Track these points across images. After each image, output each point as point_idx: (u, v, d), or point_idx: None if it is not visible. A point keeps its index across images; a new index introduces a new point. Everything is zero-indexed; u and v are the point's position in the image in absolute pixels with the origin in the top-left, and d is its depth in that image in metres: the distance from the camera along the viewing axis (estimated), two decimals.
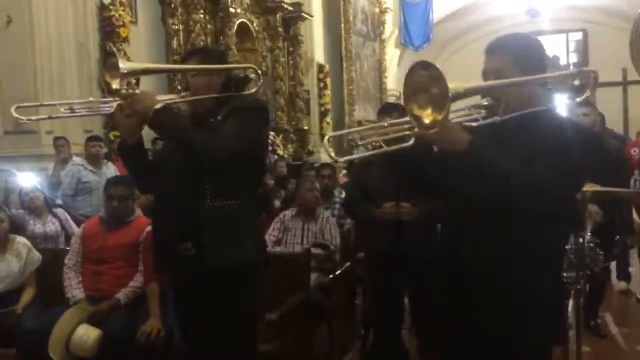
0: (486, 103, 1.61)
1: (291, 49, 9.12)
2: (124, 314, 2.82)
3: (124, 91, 1.87)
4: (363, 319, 3.79)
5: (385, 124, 1.59)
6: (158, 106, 1.89)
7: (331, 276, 3.46)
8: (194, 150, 1.94)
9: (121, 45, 5.63)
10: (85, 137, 4.88)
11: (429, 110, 1.45)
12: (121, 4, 5.75)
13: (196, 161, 1.96)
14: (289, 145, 8.74)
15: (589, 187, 2.15)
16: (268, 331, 2.57)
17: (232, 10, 7.32)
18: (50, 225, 3.97)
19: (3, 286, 3.09)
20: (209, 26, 7.14)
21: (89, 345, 2.68)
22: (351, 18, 10.67)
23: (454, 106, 1.50)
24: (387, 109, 3.17)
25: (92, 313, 2.79)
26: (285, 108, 8.84)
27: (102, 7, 5.69)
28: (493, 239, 1.59)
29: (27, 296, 3.09)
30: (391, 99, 11.59)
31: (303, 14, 9.06)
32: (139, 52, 6.03)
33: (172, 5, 6.60)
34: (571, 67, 14.98)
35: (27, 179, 4.26)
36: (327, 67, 10.07)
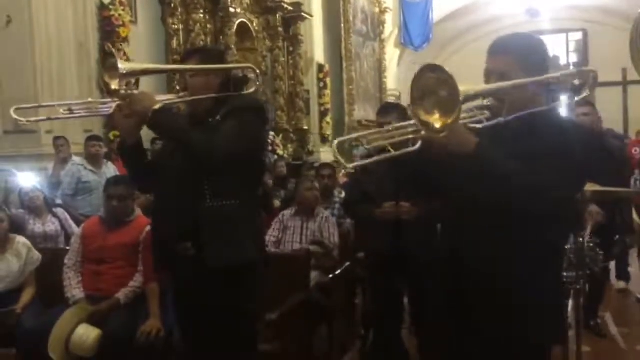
0: (489, 104, 1.59)
1: (291, 48, 9.12)
2: (124, 314, 2.82)
3: (122, 92, 1.87)
4: (363, 319, 3.79)
5: (391, 128, 1.56)
6: (157, 107, 1.89)
7: (331, 276, 3.46)
8: (193, 150, 1.94)
9: (121, 45, 5.63)
10: (85, 136, 4.88)
11: (438, 114, 1.44)
12: (121, 3, 5.75)
13: (195, 161, 1.96)
14: (289, 145, 8.74)
15: (589, 187, 2.15)
16: (268, 331, 2.57)
17: (232, 10, 7.31)
18: (50, 225, 3.97)
19: (3, 286, 3.09)
20: (208, 26, 7.13)
21: (88, 345, 2.68)
22: (351, 18, 10.67)
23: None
24: (386, 109, 3.18)
25: (92, 313, 2.79)
26: (285, 108, 8.84)
27: (102, 7, 5.69)
28: (493, 239, 1.59)
29: (27, 296, 3.09)
30: (391, 99, 11.59)
31: (303, 13, 9.06)
32: (139, 52, 6.03)
33: (172, 5, 6.59)
34: (571, 67, 14.98)
35: (27, 179, 4.26)
36: (327, 67, 10.07)
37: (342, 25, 10.41)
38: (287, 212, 3.84)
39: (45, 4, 5.19)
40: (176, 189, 2.03)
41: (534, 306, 1.60)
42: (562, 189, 1.55)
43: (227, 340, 2.10)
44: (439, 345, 1.99)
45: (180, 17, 6.71)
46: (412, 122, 1.54)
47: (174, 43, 6.59)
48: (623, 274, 4.88)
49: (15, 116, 1.91)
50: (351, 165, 1.49)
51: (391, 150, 1.52)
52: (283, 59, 8.90)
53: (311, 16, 9.44)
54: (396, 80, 13.45)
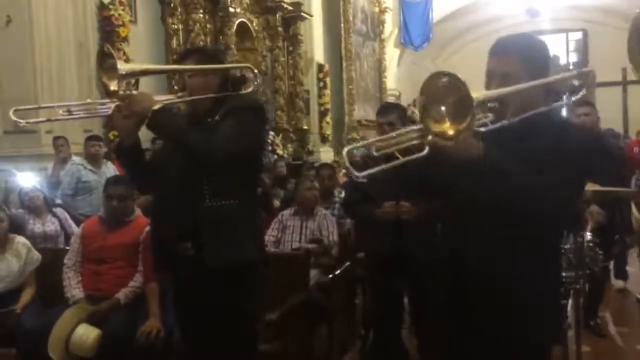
0: (491, 105, 1.58)
1: (291, 48, 9.12)
2: (124, 314, 2.82)
3: (121, 92, 1.87)
4: (363, 319, 3.79)
5: (395, 134, 1.54)
6: (156, 107, 1.89)
7: (331, 276, 3.46)
8: (192, 150, 1.94)
9: (121, 44, 5.63)
10: (84, 136, 4.88)
11: (449, 121, 1.43)
12: (121, 3, 5.75)
13: (194, 161, 1.96)
14: (289, 145, 8.74)
15: (589, 187, 2.15)
16: (268, 331, 2.57)
17: (231, 9, 7.31)
18: (50, 225, 3.97)
19: (3, 286, 3.09)
20: (208, 26, 7.13)
21: (88, 345, 2.68)
22: (351, 17, 10.67)
23: None
24: (386, 109, 3.18)
25: (92, 313, 2.79)
26: (285, 108, 8.84)
27: (102, 7, 5.68)
28: (493, 239, 1.59)
29: (26, 296, 3.09)
30: (391, 99, 11.59)
31: (303, 13, 9.06)
32: (139, 51, 6.02)
33: (172, 5, 6.59)
34: (571, 67, 14.99)
35: (27, 179, 4.26)
36: (326, 67, 10.07)
37: (342, 25, 10.41)
38: (287, 212, 3.84)
39: (45, 4, 5.19)
40: (175, 189, 2.02)
41: (534, 306, 1.60)
42: (563, 189, 1.55)
43: (227, 340, 2.10)
44: (439, 345, 1.99)
45: (179, 16, 6.70)
46: (416, 127, 1.53)
47: (174, 43, 6.58)
48: (621, 273, 4.88)
49: (14, 118, 1.91)
50: (363, 174, 1.46)
51: (399, 156, 1.50)
52: (283, 59, 8.90)
53: (311, 16, 9.44)
54: (396, 80, 13.46)
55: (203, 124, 2.01)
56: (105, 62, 1.89)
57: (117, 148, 2.14)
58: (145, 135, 2.11)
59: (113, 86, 1.85)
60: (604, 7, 13.25)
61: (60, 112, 1.93)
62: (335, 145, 10.37)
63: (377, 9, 12.25)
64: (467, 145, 1.47)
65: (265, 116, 2.25)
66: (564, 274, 2.35)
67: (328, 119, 10.07)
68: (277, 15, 8.58)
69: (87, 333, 2.70)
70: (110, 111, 1.92)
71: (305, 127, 9.25)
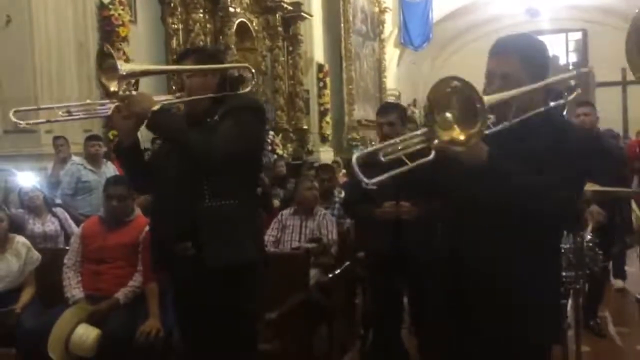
0: (494, 107, 1.58)
1: (291, 48, 9.12)
2: (123, 314, 2.82)
3: (121, 93, 1.87)
4: (363, 319, 3.79)
5: (399, 140, 1.52)
6: (155, 108, 1.89)
7: (331, 275, 3.46)
8: (192, 151, 1.94)
9: (120, 44, 5.63)
10: (84, 136, 4.87)
11: (459, 125, 1.43)
12: (120, 3, 5.75)
13: (193, 161, 1.96)
14: (289, 145, 8.74)
15: (589, 187, 2.15)
16: (268, 331, 2.56)
17: (231, 9, 7.31)
18: (50, 225, 3.97)
19: (2, 286, 3.09)
20: (208, 26, 7.13)
21: (88, 345, 2.68)
22: (351, 17, 10.68)
23: None
24: (386, 109, 3.18)
25: (92, 313, 2.79)
26: (284, 107, 8.84)
27: (102, 7, 5.68)
28: (493, 239, 1.59)
29: (26, 296, 3.08)
30: (391, 99, 11.59)
31: (302, 13, 9.06)
32: (139, 51, 6.02)
33: (172, 5, 6.59)
34: (571, 67, 14.99)
35: (27, 179, 4.26)
36: (326, 67, 10.07)
37: (342, 25, 10.41)
38: (286, 212, 3.84)
39: (45, 4, 5.19)
40: (174, 189, 2.02)
41: (533, 306, 1.60)
42: (563, 189, 1.55)
43: (227, 340, 2.09)
44: (439, 345, 1.99)
45: (179, 16, 6.71)
46: (420, 132, 1.52)
47: (174, 43, 6.58)
48: (620, 273, 4.89)
49: (14, 119, 1.90)
50: (373, 181, 1.45)
51: (408, 162, 1.48)
52: (283, 59, 8.90)
53: (311, 16, 9.44)
54: (396, 79, 13.46)
55: (202, 124, 2.01)
56: (104, 62, 1.88)
57: (116, 148, 2.14)
58: (145, 135, 2.11)
59: (113, 87, 1.84)
60: (603, 7, 13.26)
61: (60, 113, 1.93)
62: (335, 145, 10.37)
63: (377, 9, 12.25)
64: (477, 149, 1.47)
65: (265, 116, 2.24)
66: (564, 274, 2.35)
67: (328, 118, 10.08)
68: (277, 15, 8.59)
69: (86, 333, 2.69)
70: (109, 112, 1.92)
71: (305, 127, 9.26)
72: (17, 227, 3.49)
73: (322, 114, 10.01)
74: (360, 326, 3.81)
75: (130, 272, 2.95)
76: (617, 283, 4.88)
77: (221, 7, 7.23)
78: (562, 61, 15.17)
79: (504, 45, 1.66)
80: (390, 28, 12.88)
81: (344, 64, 10.55)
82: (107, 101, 1.97)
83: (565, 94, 1.78)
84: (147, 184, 2.19)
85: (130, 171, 2.17)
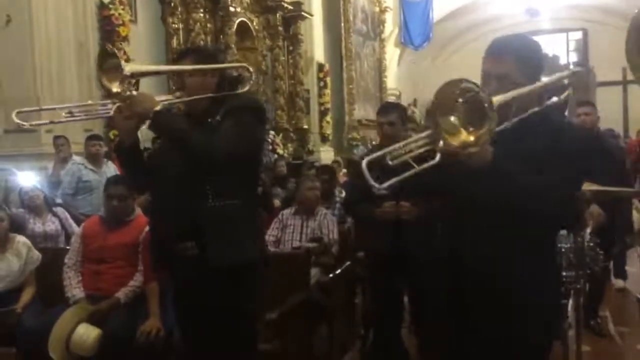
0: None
1: (291, 48, 9.12)
2: (124, 314, 2.82)
3: (123, 93, 1.86)
4: (363, 319, 3.79)
5: (403, 144, 1.52)
6: (158, 108, 1.89)
7: (331, 275, 3.46)
8: (194, 151, 1.93)
9: (121, 44, 5.63)
10: (85, 136, 4.87)
11: (467, 127, 1.42)
12: (121, 3, 5.75)
13: (194, 161, 1.96)
14: (289, 145, 8.74)
15: (589, 187, 2.15)
16: (268, 330, 2.57)
17: (232, 9, 7.31)
18: (50, 225, 3.97)
19: (3, 285, 3.09)
20: (208, 25, 7.13)
21: (88, 345, 2.68)
22: (351, 17, 10.68)
23: None
24: (387, 108, 3.18)
25: (92, 312, 2.79)
26: (285, 107, 8.84)
27: (102, 6, 5.68)
28: (493, 239, 1.59)
29: (27, 295, 3.09)
30: (391, 98, 11.60)
31: (303, 13, 9.06)
32: (139, 51, 6.02)
33: (172, 4, 6.59)
34: (571, 67, 14.96)
35: (27, 178, 4.26)
36: (327, 66, 10.07)
37: (342, 24, 10.41)
38: (287, 211, 3.84)
39: (45, 4, 5.19)
40: (175, 189, 2.02)
41: (533, 306, 1.60)
42: (563, 188, 1.55)
43: (227, 340, 2.10)
44: (439, 345, 1.99)
45: (180, 16, 6.71)
46: (424, 134, 1.52)
47: (174, 42, 6.58)
48: (620, 273, 4.89)
49: (17, 120, 1.89)
50: (384, 186, 1.46)
51: (415, 165, 1.48)
52: (283, 58, 8.90)
53: (311, 15, 9.44)
54: (396, 79, 13.46)
55: (204, 124, 2.01)
56: (105, 62, 1.87)
57: (117, 148, 2.14)
58: (145, 135, 2.11)
59: (114, 87, 1.84)
60: (604, 7, 13.25)
61: (63, 114, 1.92)
62: (335, 144, 10.37)
63: (377, 9, 12.25)
64: (484, 151, 1.47)
65: (265, 116, 2.25)
66: (564, 274, 2.35)
67: (328, 118, 10.08)
68: (278, 14, 8.59)
69: (87, 332, 2.70)
70: (111, 112, 1.91)
71: (306, 127, 9.26)
72: (17, 226, 3.49)
73: (323, 114, 10.01)
74: (360, 326, 3.82)
75: (131, 272, 2.95)
76: (618, 283, 4.88)
77: (221, 7, 7.23)
78: (562, 61, 15.17)
79: (500, 46, 1.67)
80: (390, 28, 12.88)
81: (344, 64, 10.55)
82: (109, 101, 1.96)
83: (567, 93, 1.79)
84: (147, 183, 2.20)
85: (131, 171, 2.17)
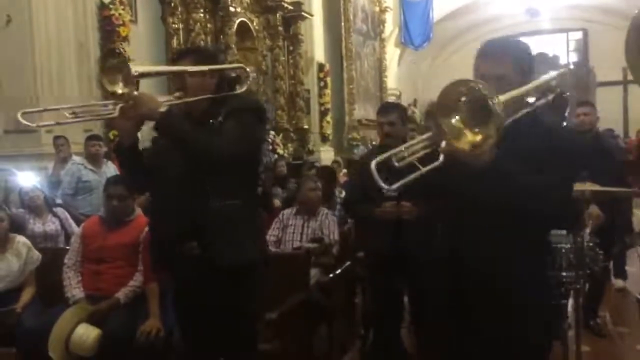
0: None
1: (291, 48, 9.11)
2: (124, 314, 2.82)
3: (128, 94, 1.85)
4: (363, 319, 3.79)
5: (404, 147, 1.53)
6: (162, 109, 1.88)
7: (331, 275, 3.46)
8: (199, 151, 1.93)
9: (121, 44, 5.63)
10: (85, 136, 4.87)
11: (470, 128, 1.43)
12: (121, 3, 5.74)
13: (198, 162, 1.96)
14: (289, 145, 8.74)
15: (589, 187, 2.15)
16: (268, 330, 2.57)
17: (232, 9, 7.31)
18: (50, 225, 3.97)
19: (3, 285, 3.09)
20: (209, 25, 7.13)
21: (88, 345, 2.68)
22: (351, 17, 10.67)
23: None
24: (387, 108, 3.18)
25: (92, 312, 2.79)
26: (285, 107, 8.83)
27: (102, 7, 5.68)
28: (493, 239, 1.59)
29: (26, 295, 3.09)
30: (391, 98, 11.59)
31: (303, 13, 9.06)
32: (139, 51, 6.02)
33: (172, 4, 6.59)
34: (571, 67, 14.96)
35: (27, 178, 4.26)
36: (327, 66, 10.07)
37: (343, 24, 10.41)
38: (288, 211, 3.84)
39: (45, 4, 5.18)
40: (177, 189, 2.02)
41: (534, 306, 1.61)
42: (562, 188, 1.56)
43: (228, 340, 2.10)
44: (439, 345, 1.99)
45: (180, 16, 6.70)
46: (425, 136, 1.53)
47: (174, 42, 6.58)
48: (620, 273, 4.89)
49: (23, 121, 1.88)
50: (393, 187, 1.47)
51: (420, 167, 1.50)
52: (283, 58, 8.89)
53: (311, 15, 9.43)
54: (396, 79, 13.46)
55: (205, 125, 2.01)
56: (107, 62, 1.87)
57: (116, 148, 2.14)
58: (144, 135, 2.11)
59: (120, 89, 1.82)
60: (604, 7, 13.24)
61: (67, 114, 1.91)
62: (335, 144, 10.37)
63: (377, 9, 12.25)
64: (485, 151, 1.47)
65: (265, 116, 2.26)
66: (564, 274, 2.35)
67: (328, 118, 10.07)
68: (278, 14, 8.58)
69: (87, 333, 2.70)
70: (116, 113, 1.89)
71: (306, 127, 9.25)
72: (17, 226, 3.49)
73: (323, 114, 10.01)
74: (360, 326, 3.81)
75: (131, 272, 2.95)
76: (618, 283, 4.88)
77: (222, 7, 7.22)
78: (562, 61, 15.16)
79: (495, 47, 1.69)
80: (390, 27, 12.87)
81: (344, 64, 10.54)
82: (112, 102, 1.94)
83: (569, 94, 1.80)
84: (147, 183, 2.20)
85: (131, 171, 2.17)
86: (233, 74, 2.26)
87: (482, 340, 1.65)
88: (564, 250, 2.37)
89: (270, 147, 7.79)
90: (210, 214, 1.98)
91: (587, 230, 2.53)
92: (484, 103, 1.40)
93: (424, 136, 1.53)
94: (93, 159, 4.67)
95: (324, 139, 9.99)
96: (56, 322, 2.72)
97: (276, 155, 7.62)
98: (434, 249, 2.04)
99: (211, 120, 2.02)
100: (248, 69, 2.30)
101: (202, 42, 6.68)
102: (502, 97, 1.44)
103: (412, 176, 1.50)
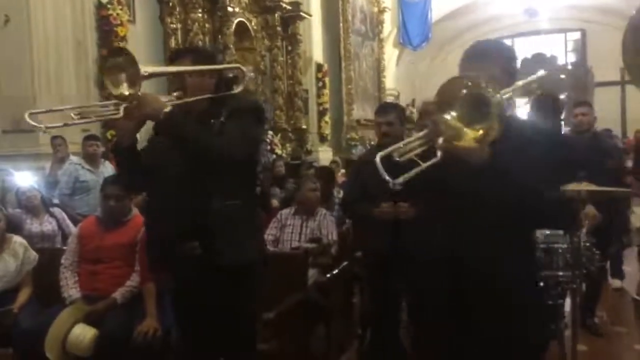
0: None
1: (290, 48, 9.11)
2: (121, 314, 2.81)
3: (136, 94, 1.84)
4: (361, 319, 3.79)
5: (402, 144, 1.55)
6: (167, 109, 1.87)
7: (329, 275, 3.46)
8: (203, 151, 1.92)
9: (119, 44, 5.62)
10: (82, 136, 4.87)
11: (469, 123, 1.44)
12: (119, 2, 5.75)
13: (200, 162, 1.95)
14: (288, 145, 8.74)
15: (585, 187, 2.15)
16: (265, 330, 2.56)
17: (230, 9, 7.31)
18: (47, 225, 3.96)
19: (0, 286, 3.09)
20: (207, 25, 7.12)
21: (85, 345, 2.68)
22: (350, 17, 10.68)
23: None
24: (385, 108, 3.18)
25: (89, 313, 2.79)
26: (283, 107, 8.84)
27: (100, 6, 5.68)
28: (491, 239, 1.59)
29: (23, 296, 3.08)
30: (390, 98, 11.60)
31: (302, 13, 9.06)
32: (137, 51, 5.96)
33: (170, 4, 6.58)
34: (569, 67, 14.98)
35: (24, 178, 4.25)
36: (325, 67, 10.07)
37: (341, 24, 10.41)
38: (286, 211, 3.84)
39: (43, 3, 5.18)
40: (177, 189, 2.01)
41: (533, 306, 1.61)
42: (555, 187, 1.57)
43: (228, 340, 2.10)
44: (437, 345, 1.99)
45: (178, 16, 6.70)
46: (421, 133, 1.54)
47: (172, 42, 6.57)
48: (618, 273, 4.90)
49: (30, 122, 1.86)
50: (399, 180, 1.49)
51: (419, 162, 1.51)
52: (282, 59, 8.89)
53: (310, 15, 9.43)
54: (395, 79, 13.47)
55: (206, 125, 2.01)
56: (111, 60, 1.84)
57: (115, 148, 2.12)
58: (143, 135, 2.10)
59: (124, 90, 1.80)
60: (602, 7, 13.26)
61: (72, 115, 1.88)
62: (334, 144, 10.37)
63: (376, 9, 12.25)
64: (483, 147, 1.49)
65: (264, 116, 2.27)
66: (560, 274, 2.35)
67: (327, 118, 10.08)
68: (276, 14, 8.58)
69: (83, 333, 2.69)
70: (121, 114, 1.86)
71: (304, 127, 9.25)
72: (14, 227, 3.48)
73: (321, 114, 10.01)
74: (358, 326, 3.81)
75: (128, 272, 2.94)
76: (615, 283, 4.89)
77: (220, 7, 7.22)
78: (560, 61, 15.19)
79: (485, 49, 1.72)
80: (389, 28, 12.88)
81: (343, 64, 10.55)
82: (113, 102, 1.92)
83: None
84: (145, 183, 2.19)
85: (129, 171, 2.16)
86: (230, 74, 2.26)
87: (479, 340, 1.65)
88: (560, 250, 2.37)
89: (269, 147, 7.79)
90: (212, 214, 1.98)
91: (584, 230, 2.53)
92: (483, 96, 1.41)
93: (421, 134, 1.54)
94: (90, 159, 4.66)
95: (323, 139, 9.99)
96: (53, 323, 2.71)
97: (274, 156, 7.62)
98: (433, 248, 2.04)
99: (212, 120, 2.01)
100: (245, 69, 2.30)
101: (200, 42, 6.68)
102: (504, 91, 1.45)
103: (414, 171, 1.52)
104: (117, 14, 5.70)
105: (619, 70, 10.54)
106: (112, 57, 1.85)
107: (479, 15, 13.91)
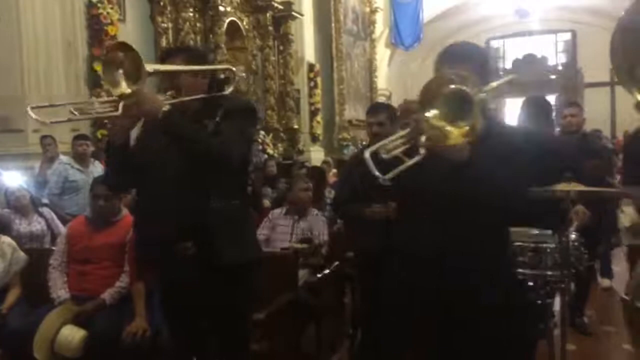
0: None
1: (281, 48, 9.11)
2: (110, 314, 2.80)
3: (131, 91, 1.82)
4: (352, 318, 3.79)
5: (387, 141, 1.57)
6: (166, 107, 1.86)
7: (319, 275, 3.45)
8: (201, 151, 1.91)
9: (109, 43, 5.59)
10: (72, 135, 4.84)
11: (452, 120, 1.45)
12: (109, 1, 5.71)
13: (198, 161, 1.95)
14: (279, 145, 8.73)
15: (574, 187, 2.16)
16: (256, 331, 2.56)
17: (221, 8, 7.29)
18: (36, 225, 3.93)
19: None
20: (198, 25, 7.10)
21: (74, 346, 2.66)
22: (342, 17, 10.68)
23: None
24: (376, 109, 3.18)
25: (77, 313, 2.77)
26: (275, 107, 8.82)
27: (90, 5, 5.64)
28: (475, 237, 1.60)
29: (12, 296, 3.06)
30: (381, 99, 11.62)
31: (293, 12, 9.05)
32: None
33: (161, 3, 6.56)
34: (560, 68, 15.08)
35: (13, 178, 4.22)
36: (317, 67, 10.07)
37: (333, 24, 10.42)
38: (277, 211, 3.83)
39: (33, 3, 5.14)
40: (175, 189, 2.00)
41: (524, 303, 1.62)
42: (538, 188, 1.58)
43: (222, 340, 2.10)
44: (426, 342, 1.99)
45: (169, 15, 6.67)
46: (404, 132, 1.55)
47: (163, 42, 6.54)
48: (607, 272, 4.94)
49: (34, 115, 1.82)
50: (388, 176, 1.50)
51: (405, 159, 1.53)
52: (273, 58, 8.88)
53: (301, 15, 9.43)
54: (386, 79, 13.49)
55: (202, 125, 2.00)
56: (110, 55, 1.81)
57: (107, 147, 2.10)
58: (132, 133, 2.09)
59: (124, 89, 1.77)
60: (592, 8, 13.36)
61: (71, 109, 1.86)
62: (325, 145, 10.37)
63: (367, 9, 12.27)
64: (464, 145, 1.50)
65: (257, 117, 2.28)
66: (549, 273, 2.36)
67: (319, 118, 10.08)
68: (268, 14, 8.57)
69: (72, 334, 2.68)
70: (120, 111, 1.83)
71: (296, 127, 9.25)
72: (3, 227, 3.46)
73: (313, 114, 10.01)
74: (349, 325, 3.81)
75: (117, 273, 2.93)
76: (604, 282, 4.92)
77: (211, 6, 7.20)
78: (551, 62, 15.30)
79: (460, 53, 1.73)
80: (381, 28, 12.91)
81: (334, 64, 10.56)
82: (111, 98, 1.89)
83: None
84: (136, 182, 2.17)
85: (119, 169, 2.13)
86: (222, 75, 2.26)
87: (468, 337, 1.66)
88: (549, 250, 2.38)
89: (260, 147, 7.77)
90: (211, 214, 1.97)
91: (573, 228, 2.55)
92: (465, 94, 1.43)
93: (403, 132, 1.56)
94: (80, 159, 4.64)
95: (314, 139, 9.99)
96: (41, 323, 2.69)
97: (266, 155, 7.61)
98: (421, 247, 2.05)
99: (206, 120, 2.01)
100: (235, 70, 2.30)
101: (191, 42, 6.65)
102: (486, 88, 1.46)
103: (400, 168, 1.53)
104: (108, 13, 5.67)
105: (608, 72, 10.62)
106: (115, 52, 1.82)
107: (470, 16, 13.97)
